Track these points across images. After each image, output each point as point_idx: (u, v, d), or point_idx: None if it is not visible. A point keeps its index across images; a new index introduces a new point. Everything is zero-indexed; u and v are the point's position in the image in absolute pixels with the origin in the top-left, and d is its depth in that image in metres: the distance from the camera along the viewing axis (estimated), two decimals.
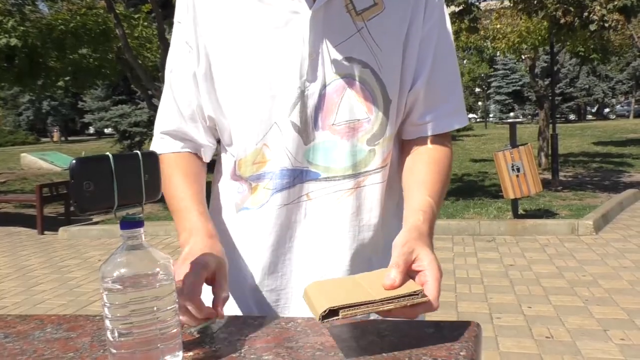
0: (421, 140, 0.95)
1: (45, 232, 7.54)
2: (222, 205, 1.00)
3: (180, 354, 0.67)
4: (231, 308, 0.95)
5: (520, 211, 6.37)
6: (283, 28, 0.85)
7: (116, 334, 0.63)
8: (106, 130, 27.37)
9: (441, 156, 0.94)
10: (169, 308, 0.65)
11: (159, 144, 0.99)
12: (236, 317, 0.91)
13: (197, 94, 0.93)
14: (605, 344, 3.01)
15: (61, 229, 7.32)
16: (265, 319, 0.91)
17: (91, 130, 42.63)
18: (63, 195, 7.99)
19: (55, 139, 35.89)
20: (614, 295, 3.82)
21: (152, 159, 0.66)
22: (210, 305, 0.77)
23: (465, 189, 8.52)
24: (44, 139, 37.79)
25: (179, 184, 0.92)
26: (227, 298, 0.78)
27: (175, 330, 0.65)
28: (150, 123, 13.53)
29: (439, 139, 0.95)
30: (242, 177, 0.93)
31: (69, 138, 38.15)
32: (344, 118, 0.87)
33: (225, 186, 0.98)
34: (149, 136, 14.23)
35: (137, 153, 0.65)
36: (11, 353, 0.82)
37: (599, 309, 3.57)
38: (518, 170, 5.69)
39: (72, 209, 8.31)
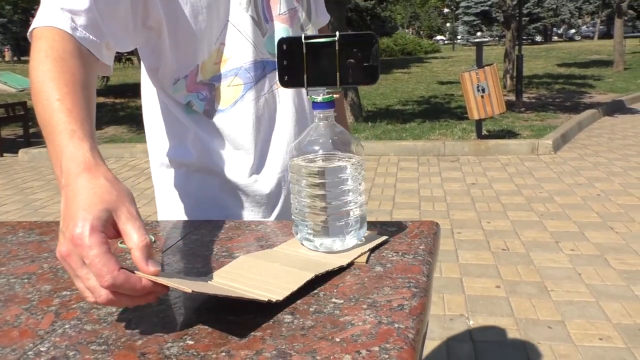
0: (322, 30, 1.16)
1: (5, 154, 7.35)
2: (186, 123, 0.97)
3: (366, 225, 0.76)
4: (224, 210, 0.99)
5: (484, 132, 6.50)
6: None
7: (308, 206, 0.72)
8: None
9: None
10: (360, 182, 0.73)
11: (52, 15, 0.75)
12: (208, 221, 0.93)
13: None
14: (557, 255, 3.20)
15: (21, 150, 7.15)
16: (237, 222, 0.94)
17: None
18: (20, 116, 7.73)
19: (7, 58, 34.12)
20: (567, 210, 4.02)
21: (353, 47, 0.73)
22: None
23: (432, 111, 8.59)
24: None
25: (56, 83, 0.69)
26: (148, 245, 0.57)
27: (363, 205, 0.74)
28: None
29: (325, 30, 1.18)
30: (202, 82, 0.94)
31: (22, 58, 36.26)
32: (285, 8, 0.98)
33: (181, 105, 0.96)
34: None
35: (331, 42, 0.73)
36: None
37: (552, 222, 3.76)
38: (483, 90, 5.75)
39: (32, 130, 8.08)
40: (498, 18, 27.25)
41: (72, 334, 0.57)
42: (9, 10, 10.61)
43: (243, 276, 0.69)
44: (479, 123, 6.26)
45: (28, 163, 6.89)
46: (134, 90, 13.09)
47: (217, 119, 0.95)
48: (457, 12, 34.95)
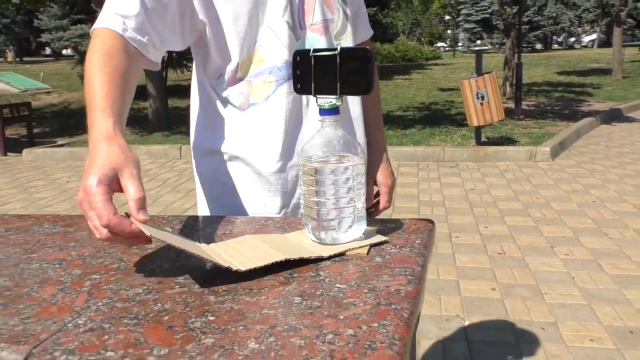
0: (363, 44, 1.26)
1: (8, 154, 7.42)
2: (226, 114, 1.08)
3: (365, 223, 0.83)
4: (251, 197, 1.08)
5: (483, 138, 6.58)
6: None
7: (317, 205, 0.79)
8: (64, 52, 26.15)
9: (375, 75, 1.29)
10: (360, 182, 0.80)
11: (107, 18, 0.92)
12: (219, 217, 1.01)
13: None
14: (551, 259, 3.28)
15: (25, 150, 7.22)
16: (246, 218, 1.02)
17: (47, 51, 40.68)
18: (25, 117, 7.80)
19: (9, 59, 34.20)
20: (563, 216, 4.10)
21: (350, 60, 0.81)
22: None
23: (432, 118, 8.67)
24: None
25: (99, 72, 0.87)
26: (142, 198, 0.72)
27: (362, 204, 0.81)
28: None
29: (367, 44, 1.30)
30: (241, 78, 1.04)
31: (24, 59, 36.38)
32: (319, 18, 1.07)
33: (221, 99, 1.07)
34: None
35: (333, 56, 0.81)
36: (16, 243, 0.91)
37: (548, 228, 3.83)
38: (482, 98, 5.83)
39: (34, 131, 8.16)
40: (498, 26, 27.40)
41: (105, 310, 0.65)
42: (12, 11, 10.71)
43: (232, 248, 0.79)
44: (478, 130, 6.34)
45: (32, 162, 6.96)
46: (137, 91, 13.17)
47: (251, 112, 1.05)
48: (458, 19, 35.12)
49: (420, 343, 2.38)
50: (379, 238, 0.83)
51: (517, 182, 5.17)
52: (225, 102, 1.07)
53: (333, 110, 0.80)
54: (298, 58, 0.84)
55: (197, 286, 0.70)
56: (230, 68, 1.04)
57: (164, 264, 0.79)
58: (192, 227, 0.95)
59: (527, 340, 2.37)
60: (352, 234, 0.81)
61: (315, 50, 0.83)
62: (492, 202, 4.53)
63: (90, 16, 13.27)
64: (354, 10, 1.18)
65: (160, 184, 5.52)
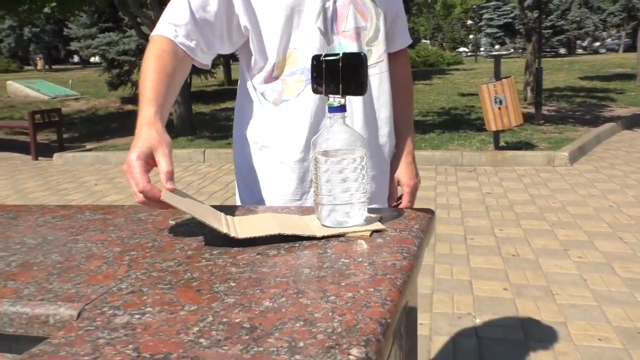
0: (399, 53, 1.35)
1: (39, 158, 7.68)
2: (261, 108, 1.21)
3: (365, 210, 0.92)
4: (276, 182, 1.22)
5: (502, 143, 6.61)
6: None
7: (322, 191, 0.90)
8: (91, 59, 26.69)
9: (408, 78, 1.38)
10: (362, 173, 0.90)
11: (162, 27, 1.12)
12: (241, 206, 1.13)
13: (217, 5, 1.12)
14: (565, 261, 3.32)
15: (56, 155, 7.47)
16: (266, 208, 1.13)
17: (75, 58, 41.59)
18: (55, 122, 8.07)
19: (38, 66, 35.08)
20: (578, 219, 4.13)
21: (349, 65, 0.93)
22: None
23: (451, 122, 8.71)
24: (26, 67, 36.90)
25: (151, 70, 1.06)
26: (170, 172, 0.91)
27: (363, 193, 0.91)
28: (139, 52, 13.26)
29: (404, 53, 1.38)
30: (277, 77, 1.17)
31: (53, 66, 37.28)
32: (351, 26, 1.17)
33: (258, 95, 1.21)
34: (137, 65, 14.02)
35: (336, 60, 0.93)
36: (62, 227, 1.04)
37: (563, 231, 3.87)
38: (500, 102, 5.88)
39: (65, 136, 8.43)
40: (521, 30, 27.22)
41: (143, 278, 0.76)
42: (42, 20, 11.06)
43: (247, 219, 0.96)
44: (496, 134, 6.38)
45: (62, 166, 7.20)
46: None
47: (283, 107, 1.18)
48: (480, 24, 34.96)
49: (432, 339, 2.47)
50: (378, 225, 0.92)
51: (534, 186, 5.20)
52: (262, 97, 1.21)
53: (340, 108, 0.91)
54: (314, 62, 0.96)
55: (221, 260, 0.82)
56: (267, 67, 1.17)
57: (192, 243, 0.90)
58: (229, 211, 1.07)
59: (535, 338, 2.44)
60: (353, 219, 0.91)
61: (327, 55, 0.95)
62: (508, 206, 4.57)
63: (118, 24, 13.62)
64: (392, 17, 1.27)
65: (185, 187, 5.68)
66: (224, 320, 0.62)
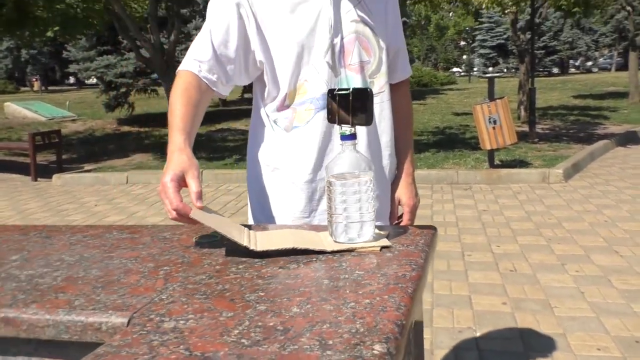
0: (400, 84, 1.46)
1: (39, 179, 7.75)
2: (274, 134, 1.32)
3: (373, 228, 1.01)
4: (286, 200, 1.32)
5: (497, 162, 6.73)
6: (313, 0, 1.24)
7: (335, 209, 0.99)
8: (87, 81, 26.83)
9: (408, 106, 1.50)
10: (370, 194, 0.99)
11: (187, 62, 1.26)
12: (259, 224, 1.22)
13: (236, 43, 1.24)
14: (562, 276, 3.41)
15: (55, 176, 7.54)
16: (279, 226, 1.22)
17: (71, 80, 41.86)
18: (55, 143, 8.15)
19: (35, 88, 35.27)
20: (574, 235, 4.22)
21: (358, 98, 1.05)
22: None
23: (446, 141, 8.84)
24: (23, 88, 37.11)
25: (179, 101, 1.19)
26: (199, 192, 1.02)
27: (372, 212, 1.00)
28: (136, 74, 13.46)
29: (405, 84, 1.48)
30: (289, 105, 1.28)
31: (49, 88, 37.49)
32: (356, 60, 1.29)
33: (271, 121, 1.32)
34: (135, 87, 14.19)
35: (347, 94, 1.05)
36: (94, 246, 1.12)
37: (559, 246, 3.97)
38: (494, 122, 6.01)
39: (63, 157, 8.51)
40: (514, 51, 27.62)
41: (180, 290, 0.85)
42: (39, 42, 11.18)
43: (267, 234, 1.07)
44: (491, 153, 6.50)
45: (61, 187, 7.27)
46: (157, 119, 13.56)
47: (294, 133, 1.29)
48: (473, 45, 35.45)
49: (434, 352, 2.54)
50: (385, 242, 1.01)
51: (530, 203, 5.30)
52: (274, 123, 1.32)
53: (351, 136, 1.00)
54: (329, 95, 1.06)
55: (247, 273, 0.90)
56: (280, 97, 1.29)
57: (218, 259, 0.99)
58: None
59: (535, 350, 2.51)
60: (365, 235, 1.00)
61: (340, 89, 1.05)
62: (504, 223, 4.67)
63: (116, 47, 13.81)
64: (394, 51, 1.38)
65: None
66: (259, 324, 0.71)
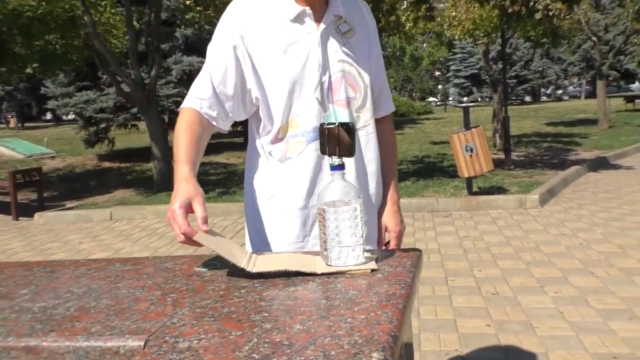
0: (384, 118, 1.56)
1: (20, 218, 7.68)
2: (268, 164, 1.41)
3: (362, 252, 1.09)
4: (281, 226, 1.41)
5: (475, 189, 6.90)
6: (303, 41, 1.35)
7: (328, 234, 1.07)
8: (65, 117, 26.72)
9: (392, 138, 1.60)
10: (359, 221, 1.07)
11: (190, 100, 1.37)
12: (260, 252, 1.29)
13: (233, 82, 1.35)
14: (542, 297, 3.51)
15: (37, 214, 7.49)
16: (277, 253, 1.30)
17: (48, 116, 41.62)
18: (35, 181, 8.11)
19: (11, 125, 34.92)
20: (552, 258, 4.35)
21: (343, 132, 1.16)
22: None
23: (425, 170, 9.02)
24: None
25: (183, 136, 1.30)
26: (205, 217, 1.12)
27: (362, 237, 1.08)
28: (116, 109, 13.50)
29: (389, 118, 1.59)
30: (282, 138, 1.38)
31: (26, 124, 37.18)
32: (343, 96, 1.39)
33: (266, 153, 1.42)
34: (115, 122, 14.20)
35: (336, 128, 1.17)
36: (100, 277, 1.18)
37: (538, 269, 4.08)
38: (471, 150, 6.19)
39: (44, 195, 8.45)
40: (487, 80, 28.34)
41: (189, 314, 0.92)
42: (16, 78, 11.15)
43: (265, 258, 1.16)
44: (469, 180, 6.67)
45: (44, 226, 7.21)
46: (138, 154, 13.56)
47: (287, 163, 1.39)
48: (447, 75, 36.30)
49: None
50: (372, 265, 1.10)
51: (509, 228, 5.44)
52: (269, 155, 1.41)
53: (339, 167, 1.10)
54: (321, 129, 1.17)
55: (250, 297, 0.98)
56: (274, 130, 1.38)
57: (221, 285, 1.06)
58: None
59: None
60: (352, 260, 1.08)
61: (329, 124, 1.15)
62: (485, 248, 4.78)
63: (95, 82, 13.86)
64: (378, 89, 1.49)
65: (169, 242, 5.77)
66: (267, 340, 0.78)
